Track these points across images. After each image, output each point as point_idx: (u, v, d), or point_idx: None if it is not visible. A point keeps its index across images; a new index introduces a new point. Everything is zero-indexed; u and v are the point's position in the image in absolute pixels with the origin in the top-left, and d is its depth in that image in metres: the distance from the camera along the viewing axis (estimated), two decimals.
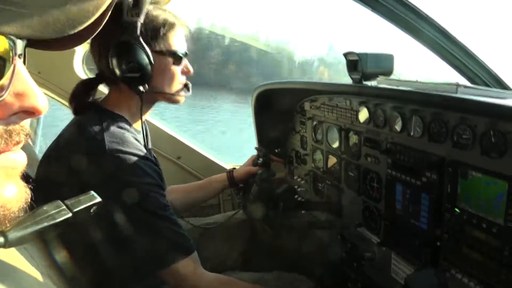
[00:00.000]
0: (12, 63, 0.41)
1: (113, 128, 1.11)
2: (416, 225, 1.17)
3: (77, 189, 0.60)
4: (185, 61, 1.27)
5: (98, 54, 1.18)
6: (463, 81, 1.62)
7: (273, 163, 1.86)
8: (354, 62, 1.29)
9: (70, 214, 0.56)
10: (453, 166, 1.03)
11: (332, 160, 1.68)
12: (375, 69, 1.27)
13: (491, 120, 0.92)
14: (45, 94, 2.01)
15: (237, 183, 1.83)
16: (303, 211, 1.82)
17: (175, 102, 1.29)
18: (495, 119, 0.91)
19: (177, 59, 1.23)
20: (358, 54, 1.26)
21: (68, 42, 0.47)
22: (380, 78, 1.30)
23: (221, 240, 1.76)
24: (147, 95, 1.19)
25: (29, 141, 1.44)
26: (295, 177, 2.03)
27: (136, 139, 1.17)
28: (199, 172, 2.22)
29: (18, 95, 0.43)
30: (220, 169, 2.25)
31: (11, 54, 0.41)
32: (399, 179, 1.22)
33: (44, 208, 0.55)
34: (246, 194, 1.78)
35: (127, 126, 1.17)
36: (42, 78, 1.93)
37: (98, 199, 0.61)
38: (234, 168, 1.86)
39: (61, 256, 0.97)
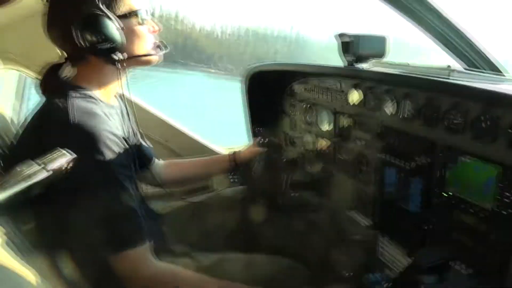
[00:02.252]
0: None
1: (80, 103, 1.07)
2: (405, 209, 1.17)
3: None
4: (149, 20, 1.23)
5: (61, 34, 1.14)
6: (453, 63, 1.61)
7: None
8: (347, 44, 1.27)
9: (46, 173, 0.56)
10: (444, 151, 1.03)
11: (323, 143, 1.67)
12: (368, 51, 1.25)
13: (484, 105, 0.91)
14: (29, 75, 1.97)
15: (240, 166, 1.81)
16: (292, 194, 1.82)
17: (148, 63, 1.25)
18: (487, 104, 0.90)
19: (141, 19, 1.19)
20: (351, 36, 1.24)
21: None
22: (373, 60, 1.28)
23: (212, 220, 1.75)
24: (120, 63, 1.15)
25: (10, 125, 1.41)
26: (284, 160, 2.03)
27: (105, 113, 1.13)
28: (188, 155, 2.20)
29: None
30: (209, 151, 2.23)
31: None
32: (390, 163, 1.22)
33: (18, 169, 0.54)
34: (248, 172, 1.78)
35: (95, 100, 1.13)
36: (26, 59, 1.87)
37: (70, 155, 0.60)
38: (236, 151, 1.84)
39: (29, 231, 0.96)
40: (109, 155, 1.05)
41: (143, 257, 1.10)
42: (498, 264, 0.89)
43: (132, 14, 1.16)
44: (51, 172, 0.56)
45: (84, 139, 1.03)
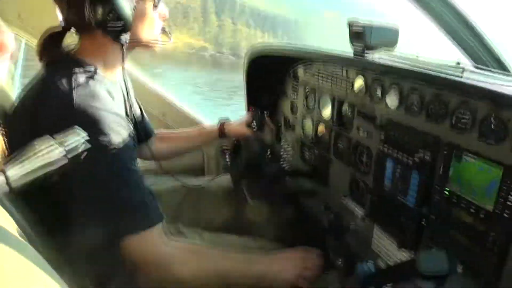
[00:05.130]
0: None
1: (83, 80, 1.03)
2: (403, 202, 1.18)
3: None
4: (162, 5, 1.19)
5: (70, 1, 1.07)
6: (461, 57, 1.59)
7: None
8: (357, 33, 1.23)
9: (63, 151, 0.57)
10: (448, 148, 1.02)
11: (322, 129, 1.66)
12: (379, 41, 1.22)
13: (494, 106, 0.90)
14: (25, 37, 1.90)
15: (226, 137, 1.83)
16: (287, 178, 1.82)
17: (152, 49, 1.23)
18: (498, 106, 0.89)
19: (156, 3, 1.15)
20: (362, 25, 1.21)
21: None
22: (382, 51, 1.26)
23: (207, 202, 1.76)
24: (127, 44, 1.11)
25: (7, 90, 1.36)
26: (282, 143, 2.02)
27: (109, 92, 1.09)
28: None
29: None
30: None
31: None
32: (391, 155, 1.22)
33: (36, 145, 0.55)
34: (234, 158, 1.77)
35: (100, 78, 1.08)
36: (22, 21, 1.80)
37: (85, 135, 0.62)
38: (225, 122, 1.83)
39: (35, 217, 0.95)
40: (115, 138, 1.02)
41: (160, 236, 1.10)
42: (494, 265, 0.91)
43: None
44: (66, 151, 0.56)
45: (89, 123, 0.98)
